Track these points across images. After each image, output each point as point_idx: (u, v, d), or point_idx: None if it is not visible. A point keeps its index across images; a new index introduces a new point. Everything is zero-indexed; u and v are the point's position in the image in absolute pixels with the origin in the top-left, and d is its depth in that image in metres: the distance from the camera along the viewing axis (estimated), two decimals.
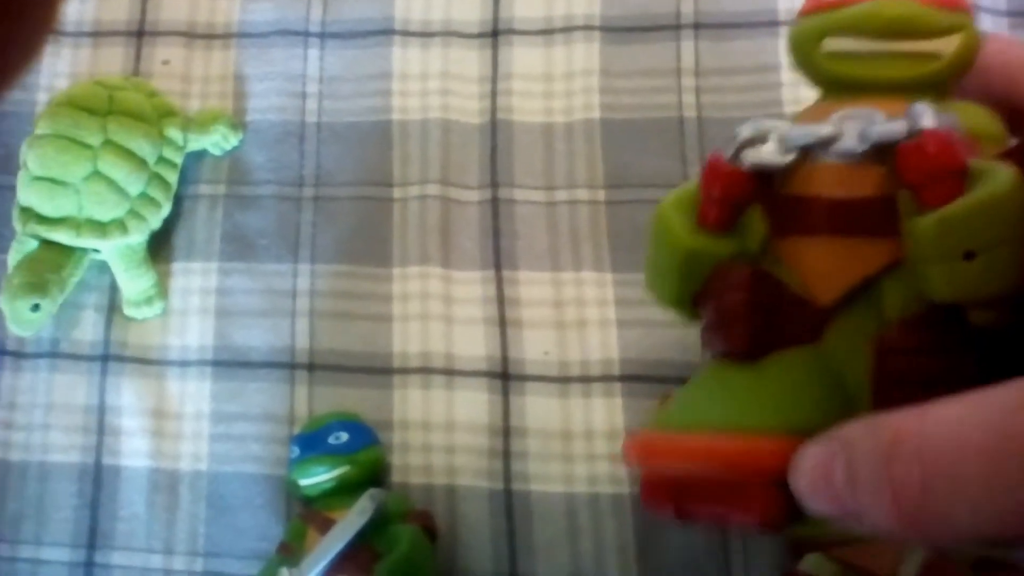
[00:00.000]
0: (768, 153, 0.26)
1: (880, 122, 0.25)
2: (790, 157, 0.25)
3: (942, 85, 0.27)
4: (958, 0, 0.26)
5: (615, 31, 0.51)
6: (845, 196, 0.25)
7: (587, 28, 0.51)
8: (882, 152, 0.25)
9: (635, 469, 0.28)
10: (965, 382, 0.25)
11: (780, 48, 0.50)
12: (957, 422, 0.20)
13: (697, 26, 0.51)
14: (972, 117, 0.26)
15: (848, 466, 0.22)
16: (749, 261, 0.27)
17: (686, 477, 0.26)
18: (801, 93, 0.48)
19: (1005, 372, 0.24)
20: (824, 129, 0.25)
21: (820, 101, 0.28)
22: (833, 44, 0.26)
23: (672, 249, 0.28)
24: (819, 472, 0.22)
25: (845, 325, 0.27)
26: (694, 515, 0.27)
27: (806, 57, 0.27)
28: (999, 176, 0.23)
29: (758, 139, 0.26)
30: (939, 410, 0.20)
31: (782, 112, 0.48)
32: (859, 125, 0.25)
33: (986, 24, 0.49)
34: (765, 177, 0.26)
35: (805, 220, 0.26)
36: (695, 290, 0.28)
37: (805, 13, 0.27)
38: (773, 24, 0.50)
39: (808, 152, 0.26)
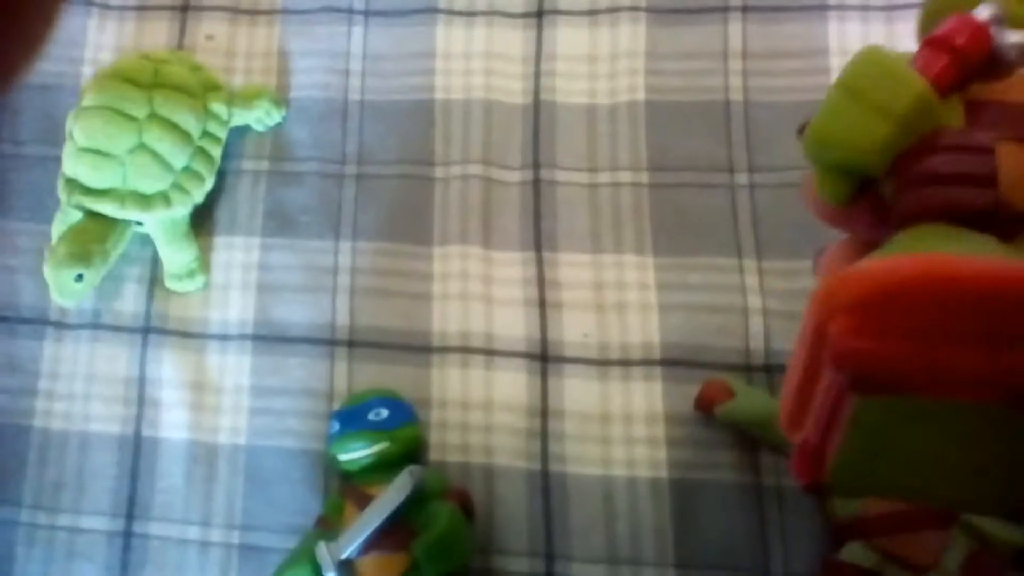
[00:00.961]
0: (1015, 36, 0.26)
1: None
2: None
3: None
4: None
5: (661, 12, 0.51)
6: None
7: (633, 9, 0.51)
8: None
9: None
10: None
11: (830, 32, 0.49)
12: None
13: (745, 8, 0.50)
14: None
15: None
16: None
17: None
18: None
19: None
20: None
21: None
22: None
23: (904, 89, 0.27)
24: None
25: None
26: (907, 388, 0.23)
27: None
28: None
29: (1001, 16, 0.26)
30: None
31: None
32: None
33: None
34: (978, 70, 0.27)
35: (1006, 125, 0.27)
36: (902, 145, 0.28)
37: None
38: (823, 8, 0.50)
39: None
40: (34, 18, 0.20)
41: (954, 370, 0.22)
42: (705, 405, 0.43)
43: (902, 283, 0.22)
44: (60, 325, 0.50)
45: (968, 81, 0.27)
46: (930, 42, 0.27)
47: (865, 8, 0.49)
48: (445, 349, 0.47)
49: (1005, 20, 0.26)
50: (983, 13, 0.26)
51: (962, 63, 0.27)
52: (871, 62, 0.28)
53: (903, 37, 0.48)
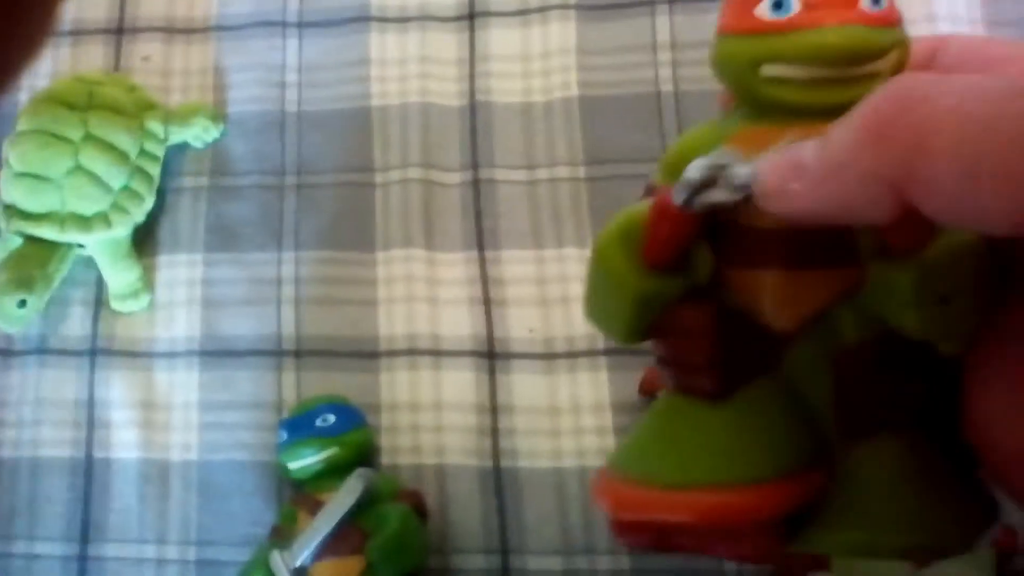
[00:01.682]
0: (718, 195, 0.24)
1: None
2: (739, 195, 0.24)
3: None
4: (894, 13, 0.25)
5: (590, 9, 0.51)
6: (796, 229, 0.25)
7: (562, 7, 0.51)
8: None
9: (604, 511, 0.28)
10: (921, 398, 0.26)
11: None
12: (958, 94, 0.19)
13: (671, 1, 0.51)
14: None
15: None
16: (700, 297, 0.27)
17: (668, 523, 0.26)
18: None
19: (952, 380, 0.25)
20: None
21: (757, 124, 0.26)
22: (773, 70, 0.25)
23: (621, 292, 0.27)
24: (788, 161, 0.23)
25: (803, 350, 0.27)
26: (676, 548, 0.27)
27: (740, 79, 0.26)
28: None
29: (707, 181, 0.24)
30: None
31: None
32: None
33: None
34: (711, 211, 0.25)
35: (756, 253, 0.26)
36: (646, 327, 0.27)
37: (734, 32, 0.26)
38: None
39: None
40: (35, 16, 0.20)
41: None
42: (648, 390, 0.44)
43: (608, 506, 0.27)
44: (6, 352, 0.50)
45: (696, 241, 0.26)
46: (649, 220, 0.26)
47: None
48: (392, 353, 0.47)
49: (726, 167, 0.24)
50: (692, 176, 0.24)
51: (681, 245, 0.26)
52: (598, 257, 0.27)
53: None
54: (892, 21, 0.25)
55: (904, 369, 0.25)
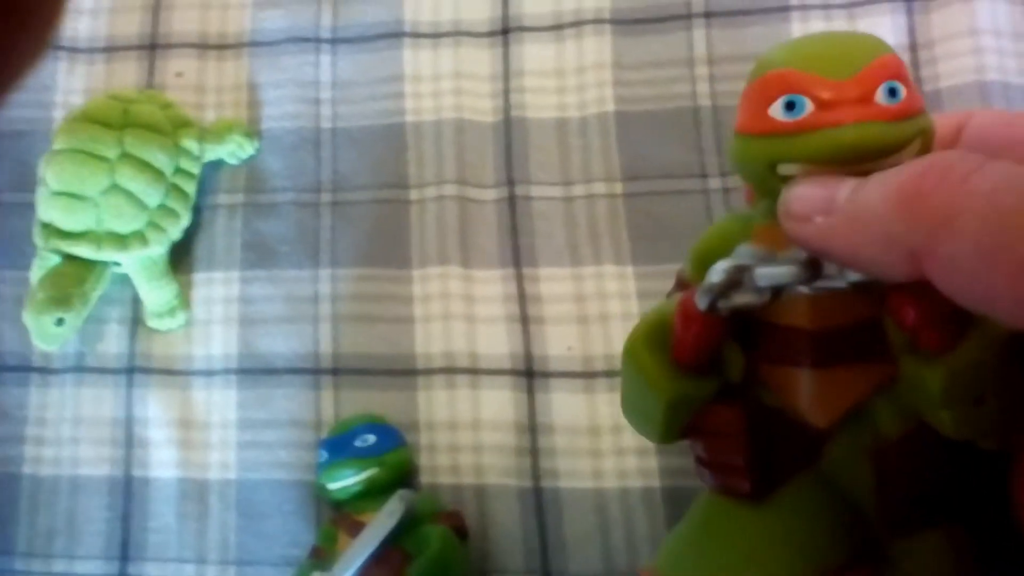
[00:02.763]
0: (743, 298, 0.24)
1: None
2: (765, 297, 0.24)
3: None
4: (913, 104, 0.24)
5: (625, 23, 0.51)
6: (825, 326, 0.25)
7: (597, 21, 0.51)
8: (863, 283, 0.24)
9: None
10: (964, 490, 0.25)
11: (793, 32, 0.49)
12: (994, 181, 0.20)
13: (708, 15, 0.50)
14: None
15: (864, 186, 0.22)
16: (735, 395, 0.26)
17: None
18: None
19: (995, 471, 0.25)
20: (798, 267, 0.24)
21: (777, 220, 0.26)
22: (790, 169, 0.25)
23: (655, 396, 0.26)
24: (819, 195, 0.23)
25: (841, 444, 0.26)
26: None
27: (758, 178, 0.26)
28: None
29: (731, 284, 0.24)
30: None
31: None
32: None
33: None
34: (740, 312, 0.25)
35: (788, 351, 0.25)
36: (681, 427, 0.27)
37: (750, 133, 0.26)
38: (784, 9, 0.50)
39: (783, 288, 0.24)
40: (32, 24, 0.20)
41: None
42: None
43: None
44: (44, 371, 0.50)
45: (725, 341, 0.26)
46: (679, 318, 0.26)
47: (827, 7, 0.50)
48: (430, 371, 0.47)
49: (748, 268, 0.24)
50: (714, 280, 0.24)
51: (705, 344, 0.26)
52: (629, 359, 0.27)
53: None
54: (911, 112, 0.24)
55: (945, 462, 0.25)
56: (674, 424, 0.27)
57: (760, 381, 0.26)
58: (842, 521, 0.26)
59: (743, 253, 0.24)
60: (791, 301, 0.25)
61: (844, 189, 0.22)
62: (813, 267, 0.24)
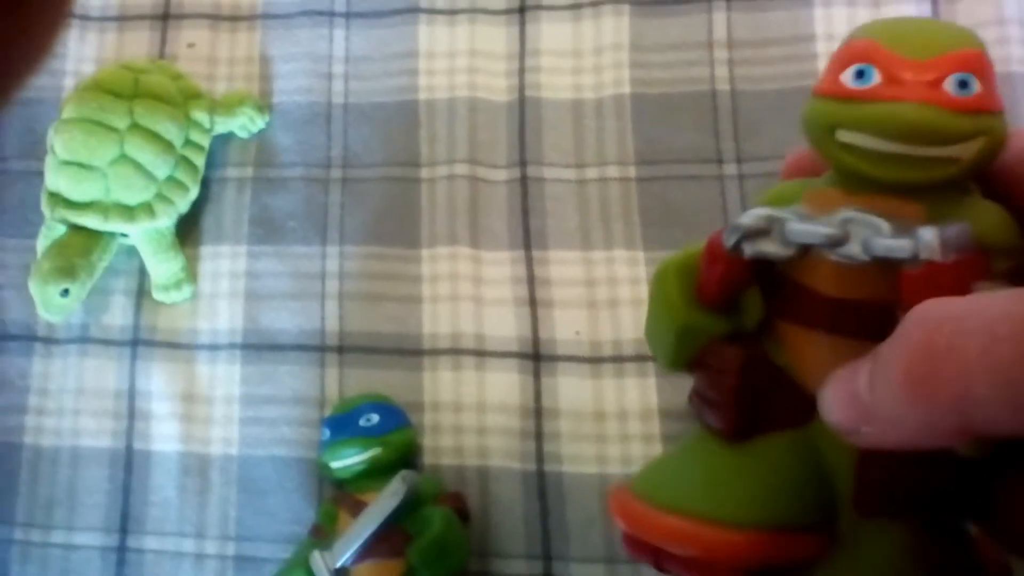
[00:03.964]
0: (769, 246, 0.24)
1: (885, 235, 0.23)
2: (791, 251, 0.24)
3: (959, 186, 0.25)
4: (983, 102, 0.24)
5: (645, 4, 0.50)
6: (844, 296, 0.25)
7: (616, 2, 0.50)
8: (885, 261, 0.23)
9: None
10: (943, 488, 0.25)
11: (815, 17, 0.49)
12: (988, 314, 0.20)
13: None
14: (986, 223, 0.25)
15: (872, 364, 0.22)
16: (744, 340, 0.27)
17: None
18: None
19: (979, 476, 0.25)
20: (828, 229, 0.24)
21: (830, 186, 0.26)
22: (847, 136, 0.25)
23: (670, 319, 0.27)
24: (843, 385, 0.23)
25: None
26: (671, 572, 0.27)
27: (820, 141, 0.26)
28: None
29: (760, 230, 0.25)
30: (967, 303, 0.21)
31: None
32: (864, 232, 0.24)
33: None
34: (766, 261, 0.25)
35: (803, 312, 0.26)
36: (690, 358, 0.28)
37: (820, 94, 0.26)
38: None
39: (810, 247, 0.24)
40: (51, 5, 0.19)
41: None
42: None
43: (616, 515, 0.27)
44: (48, 340, 0.50)
45: (747, 286, 0.27)
46: (705, 252, 0.26)
47: None
48: (436, 351, 0.47)
49: (781, 220, 0.24)
50: (744, 223, 0.25)
51: (731, 288, 0.26)
52: (656, 283, 0.28)
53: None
54: (980, 108, 0.24)
55: (931, 458, 0.25)
56: (683, 352, 0.27)
57: (772, 335, 0.27)
58: (813, 487, 0.26)
59: (784, 208, 0.25)
60: (818, 265, 0.25)
61: (862, 379, 0.22)
62: (841, 237, 0.24)
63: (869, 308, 0.25)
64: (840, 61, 0.25)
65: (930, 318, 0.21)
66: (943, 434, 0.21)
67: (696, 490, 0.26)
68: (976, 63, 0.24)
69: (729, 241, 0.25)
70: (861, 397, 0.22)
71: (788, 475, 0.26)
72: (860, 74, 0.24)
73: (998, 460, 0.24)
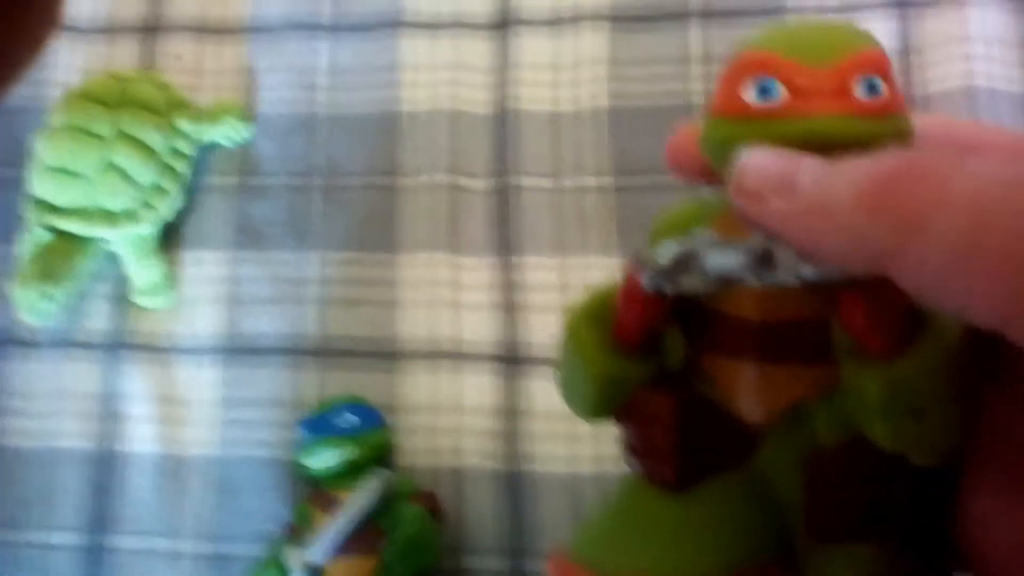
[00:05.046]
0: (691, 281, 0.23)
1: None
2: (714, 284, 0.23)
3: None
4: (892, 103, 0.23)
5: (623, 20, 0.51)
6: (770, 319, 0.23)
7: (595, 18, 0.52)
8: (813, 283, 0.22)
9: None
10: (899, 504, 0.24)
11: None
12: (980, 177, 0.18)
13: (705, 14, 0.51)
14: None
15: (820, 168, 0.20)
16: (672, 383, 0.25)
17: None
18: None
19: (935, 488, 0.24)
20: (749, 257, 0.22)
21: None
22: None
23: (588, 371, 0.25)
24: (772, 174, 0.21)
25: (775, 445, 0.25)
26: None
27: (726, 163, 0.24)
28: (946, 329, 0.22)
29: (679, 265, 0.23)
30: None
31: None
32: (788, 255, 0.22)
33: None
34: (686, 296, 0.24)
35: (729, 341, 0.24)
36: (613, 409, 0.26)
37: (720, 115, 0.24)
38: (780, 11, 0.50)
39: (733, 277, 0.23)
40: (40, 12, 0.20)
41: None
42: None
43: None
44: (29, 344, 0.50)
45: (667, 325, 0.25)
46: (622, 295, 0.25)
47: (822, 10, 0.50)
48: (414, 355, 0.47)
49: (698, 254, 0.23)
50: (661, 260, 0.23)
51: (651, 330, 0.25)
52: (567, 334, 0.26)
53: None
54: (890, 110, 0.23)
55: (882, 477, 0.24)
56: (605, 403, 0.26)
57: (699, 370, 0.25)
58: (764, 523, 0.25)
59: (695, 238, 0.23)
60: (739, 291, 0.24)
61: (807, 170, 0.21)
62: (765, 260, 0.22)
63: (799, 328, 0.24)
64: (736, 76, 0.24)
65: (936, 155, 0.19)
66: (859, 254, 0.20)
67: (643, 548, 0.25)
68: (880, 63, 0.23)
69: (648, 283, 0.23)
70: (796, 181, 0.21)
71: (738, 516, 0.25)
72: (764, 90, 0.23)
73: (954, 471, 0.24)
